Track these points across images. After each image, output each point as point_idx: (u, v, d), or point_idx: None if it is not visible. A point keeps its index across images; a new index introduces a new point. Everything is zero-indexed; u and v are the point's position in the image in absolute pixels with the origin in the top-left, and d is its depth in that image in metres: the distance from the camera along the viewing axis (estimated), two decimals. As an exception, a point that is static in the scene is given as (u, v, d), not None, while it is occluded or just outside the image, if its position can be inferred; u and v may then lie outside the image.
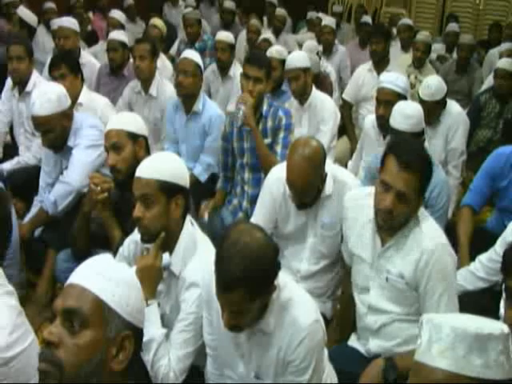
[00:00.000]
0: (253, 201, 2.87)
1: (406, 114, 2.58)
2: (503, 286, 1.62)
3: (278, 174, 2.38)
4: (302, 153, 2.16)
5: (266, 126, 2.98)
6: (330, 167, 2.32)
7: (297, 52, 4.02)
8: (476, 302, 2.29)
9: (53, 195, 2.71)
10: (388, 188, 1.83)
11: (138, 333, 1.21)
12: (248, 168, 3.03)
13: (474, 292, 2.35)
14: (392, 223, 1.88)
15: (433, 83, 3.39)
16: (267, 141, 2.96)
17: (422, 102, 3.25)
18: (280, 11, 6.73)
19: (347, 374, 1.90)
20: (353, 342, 2.09)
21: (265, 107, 2.98)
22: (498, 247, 2.29)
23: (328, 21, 5.59)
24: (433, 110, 3.28)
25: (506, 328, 1.02)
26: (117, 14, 5.36)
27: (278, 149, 2.93)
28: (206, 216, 3.04)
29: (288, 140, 2.91)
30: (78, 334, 1.13)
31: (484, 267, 2.35)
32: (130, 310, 1.18)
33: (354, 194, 2.12)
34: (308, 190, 2.22)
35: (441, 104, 3.38)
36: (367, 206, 1.94)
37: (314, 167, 2.18)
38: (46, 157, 2.86)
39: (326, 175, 2.24)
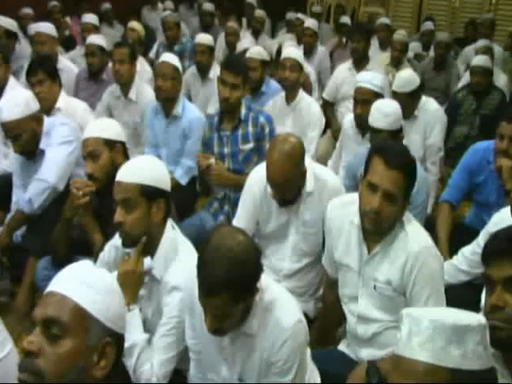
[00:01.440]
0: (235, 204, 2.86)
1: (384, 113, 2.60)
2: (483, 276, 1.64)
3: (258, 176, 2.39)
4: (282, 149, 2.17)
5: (246, 130, 2.97)
6: (311, 165, 2.33)
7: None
8: (457, 295, 2.32)
9: (28, 193, 2.69)
10: (375, 188, 1.81)
11: (119, 339, 1.20)
12: (230, 172, 3.02)
13: (456, 286, 2.37)
14: (379, 226, 1.85)
15: (403, 75, 3.43)
16: (249, 146, 2.96)
17: (394, 94, 3.28)
18: (259, 13, 6.74)
19: (337, 375, 1.89)
20: (343, 347, 2.08)
21: (243, 111, 2.97)
22: (481, 240, 2.31)
23: (310, 23, 5.61)
24: (405, 103, 3.26)
25: (483, 319, 1.04)
26: (90, 18, 5.31)
27: None
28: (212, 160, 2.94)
29: None
30: (58, 343, 1.13)
31: (467, 260, 2.38)
32: (111, 316, 1.18)
33: (337, 203, 2.09)
34: (289, 186, 2.23)
35: (413, 97, 3.37)
36: (352, 213, 1.92)
37: (294, 163, 2.19)
38: (18, 170, 2.82)
39: (305, 171, 2.25)
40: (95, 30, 5.07)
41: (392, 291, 1.90)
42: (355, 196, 1.92)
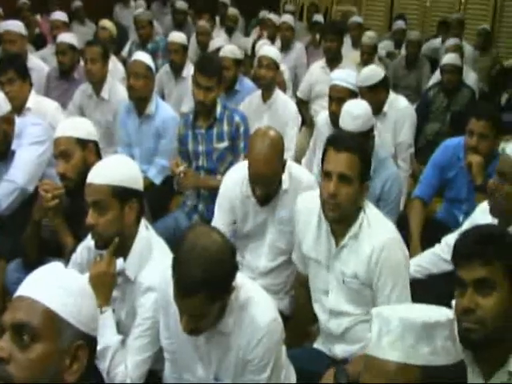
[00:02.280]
0: (209, 203, 2.87)
1: (353, 115, 2.61)
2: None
3: (234, 177, 2.39)
4: (264, 142, 2.18)
5: (221, 129, 2.96)
6: (287, 163, 2.33)
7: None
8: (434, 288, 2.36)
9: None
10: (329, 175, 1.85)
11: (91, 342, 1.19)
12: (203, 171, 3.01)
13: (434, 278, 2.40)
14: (338, 211, 1.85)
15: (365, 70, 3.48)
16: (224, 144, 2.96)
17: (359, 90, 3.31)
18: (232, 11, 6.73)
19: (312, 373, 1.90)
20: (318, 345, 2.09)
21: (219, 109, 2.95)
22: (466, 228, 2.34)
23: (286, 18, 5.63)
24: (368, 97, 3.28)
25: (450, 314, 1.05)
26: (59, 16, 5.22)
27: (241, 159, 2.90)
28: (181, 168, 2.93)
29: None
30: (29, 348, 1.10)
31: (450, 248, 2.40)
32: (83, 319, 1.16)
33: (306, 197, 2.12)
34: (274, 178, 2.24)
35: (377, 92, 3.39)
36: (320, 207, 1.93)
37: (277, 155, 2.21)
38: None
39: (284, 165, 2.26)
40: (65, 27, 4.99)
41: (359, 284, 1.92)
42: None
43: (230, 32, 6.42)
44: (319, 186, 2.31)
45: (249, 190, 2.33)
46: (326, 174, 1.88)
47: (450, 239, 2.37)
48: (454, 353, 1.01)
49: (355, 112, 2.61)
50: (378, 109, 3.45)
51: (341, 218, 1.89)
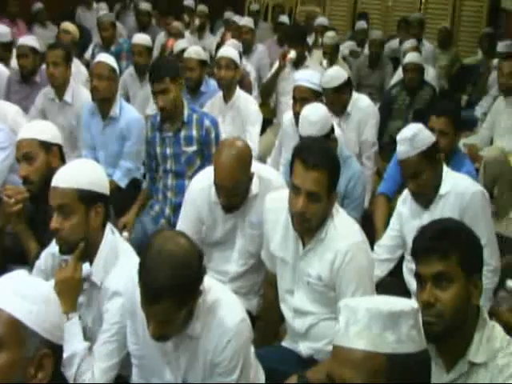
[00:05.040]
0: (176, 208, 2.83)
1: (310, 121, 2.60)
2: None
3: (200, 184, 2.36)
4: (229, 154, 2.16)
5: (190, 133, 2.92)
6: (256, 166, 2.32)
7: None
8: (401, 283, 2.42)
9: None
10: (298, 191, 1.85)
11: (57, 350, 1.17)
12: (172, 174, 2.97)
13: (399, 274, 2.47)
14: (307, 226, 1.89)
15: (329, 71, 3.57)
16: (192, 148, 2.92)
17: (323, 90, 3.36)
18: (200, 7, 6.75)
19: (281, 372, 1.92)
20: (286, 343, 2.11)
21: (186, 112, 2.92)
22: (393, 223, 2.49)
23: (246, 21, 5.64)
24: (333, 98, 3.39)
25: (415, 304, 1.08)
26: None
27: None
28: (126, 233, 2.91)
29: None
30: None
31: (385, 248, 2.50)
32: (48, 326, 1.14)
33: (275, 196, 2.12)
34: (237, 191, 2.22)
35: (341, 92, 3.46)
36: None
37: (242, 167, 2.18)
38: None
39: (253, 175, 2.25)
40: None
41: (323, 286, 1.94)
42: None
43: (201, 29, 6.43)
44: (287, 185, 2.34)
45: (217, 196, 2.29)
46: (294, 187, 1.87)
47: (384, 239, 2.55)
48: (419, 341, 1.04)
49: (312, 118, 2.61)
50: (342, 109, 3.51)
51: (309, 231, 1.92)
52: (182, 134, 2.92)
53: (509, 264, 2.70)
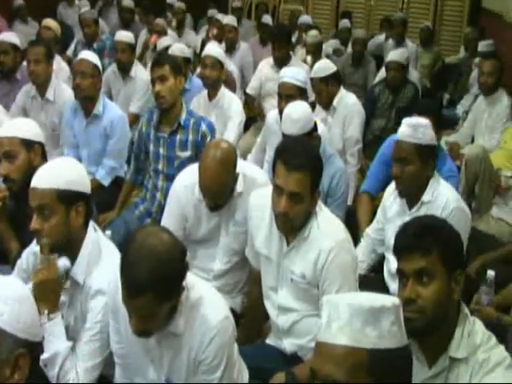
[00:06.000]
0: (163, 209, 2.80)
1: (292, 119, 2.60)
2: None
3: (184, 182, 2.36)
4: (214, 156, 2.15)
5: (185, 137, 2.88)
6: (240, 165, 2.32)
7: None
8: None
9: None
10: (281, 191, 1.86)
11: (33, 348, 1.16)
12: (163, 176, 2.94)
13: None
14: (289, 226, 1.90)
15: (319, 63, 3.67)
16: (187, 154, 2.88)
17: (311, 81, 3.44)
18: (179, 4, 6.73)
19: (265, 369, 1.93)
20: (270, 341, 2.11)
21: (183, 115, 2.88)
22: (379, 216, 2.55)
23: (229, 19, 5.62)
24: (319, 89, 3.46)
25: (396, 300, 1.09)
26: None
27: None
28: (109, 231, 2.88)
29: None
30: None
31: (372, 240, 2.56)
32: (23, 326, 1.13)
33: (259, 193, 2.12)
34: (222, 192, 2.22)
35: (328, 84, 3.52)
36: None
37: (227, 169, 2.18)
38: None
39: (238, 176, 2.25)
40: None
41: (306, 284, 1.94)
42: None
43: (179, 26, 6.40)
44: (272, 183, 2.34)
45: (201, 194, 2.29)
46: (276, 187, 1.88)
47: (369, 231, 2.60)
48: (400, 337, 1.05)
49: (295, 116, 2.60)
50: (328, 101, 3.55)
51: (292, 230, 1.93)
52: (178, 137, 2.89)
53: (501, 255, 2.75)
